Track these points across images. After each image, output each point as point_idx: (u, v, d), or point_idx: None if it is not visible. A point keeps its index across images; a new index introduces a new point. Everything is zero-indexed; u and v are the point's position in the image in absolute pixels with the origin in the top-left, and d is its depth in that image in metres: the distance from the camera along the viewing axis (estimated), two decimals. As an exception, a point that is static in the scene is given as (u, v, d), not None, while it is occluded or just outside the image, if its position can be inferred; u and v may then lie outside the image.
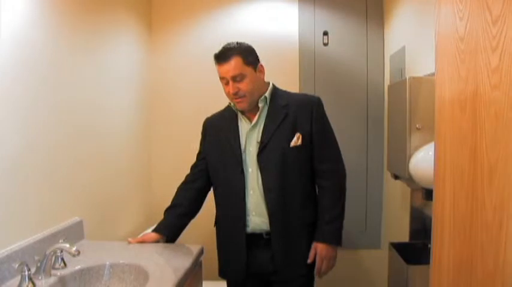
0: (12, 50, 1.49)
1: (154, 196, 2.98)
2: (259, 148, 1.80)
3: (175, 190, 2.05)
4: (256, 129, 1.84)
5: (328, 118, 1.89)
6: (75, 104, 1.92)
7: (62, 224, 1.78)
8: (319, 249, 1.82)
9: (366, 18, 2.90)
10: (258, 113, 1.83)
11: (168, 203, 2.96)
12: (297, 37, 2.90)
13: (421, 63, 2.14)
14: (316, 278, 1.92)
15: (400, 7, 2.57)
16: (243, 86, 1.75)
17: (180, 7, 2.94)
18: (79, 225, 1.90)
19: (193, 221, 2.01)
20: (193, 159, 2.94)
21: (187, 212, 1.97)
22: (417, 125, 1.87)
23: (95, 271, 1.60)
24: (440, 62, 1.16)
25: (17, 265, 1.38)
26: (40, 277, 1.44)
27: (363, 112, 2.92)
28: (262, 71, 1.84)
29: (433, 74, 1.33)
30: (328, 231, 1.82)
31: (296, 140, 1.78)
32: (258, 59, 1.84)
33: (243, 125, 1.88)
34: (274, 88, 1.90)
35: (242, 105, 1.81)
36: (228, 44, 1.80)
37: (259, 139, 1.81)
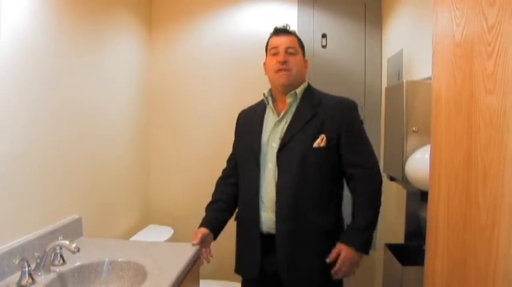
0: (14, 50, 1.51)
1: (153, 195, 2.99)
2: (280, 145, 1.73)
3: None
4: (281, 125, 1.78)
5: (362, 124, 1.83)
6: (76, 103, 1.94)
7: (61, 221, 1.80)
8: (344, 250, 1.67)
9: (364, 21, 2.93)
10: (286, 108, 1.79)
11: (164, 201, 3.00)
12: (296, 39, 2.92)
13: (418, 66, 2.16)
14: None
15: (398, 11, 2.59)
16: (293, 59, 1.78)
17: (179, 7, 2.96)
18: (78, 222, 1.91)
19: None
20: (192, 157, 2.98)
21: (227, 207, 1.92)
22: (413, 128, 1.89)
23: (93, 268, 1.62)
24: (437, 66, 1.19)
25: (17, 261, 1.40)
26: (40, 273, 1.45)
27: (359, 114, 2.93)
28: (307, 64, 1.87)
29: (429, 78, 1.35)
30: (360, 237, 1.69)
31: (320, 141, 1.70)
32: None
33: (270, 119, 1.84)
34: (310, 87, 1.87)
35: (283, 79, 1.77)
36: None
37: (281, 135, 1.75)
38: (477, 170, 0.93)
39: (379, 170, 1.78)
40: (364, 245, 1.69)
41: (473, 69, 0.95)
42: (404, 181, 1.92)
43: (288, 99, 1.79)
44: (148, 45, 2.90)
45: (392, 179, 2.20)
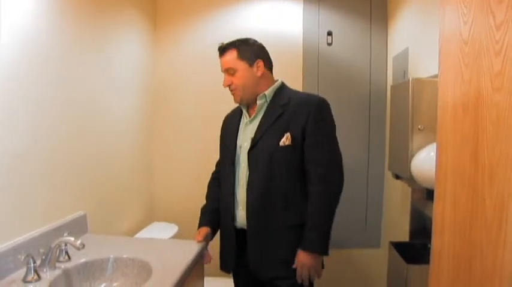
0: (18, 49, 1.51)
1: (156, 192, 3.00)
2: (250, 144, 1.79)
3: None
4: (252, 125, 1.84)
5: (330, 122, 1.80)
6: (81, 101, 1.94)
7: (66, 217, 1.81)
8: (299, 256, 1.73)
9: (370, 19, 2.92)
10: (256, 110, 1.84)
11: (169, 198, 3.00)
12: (301, 37, 2.91)
13: (424, 64, 2.15)
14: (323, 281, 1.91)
15: (404, 9, 2.58)
16: (235, 80, 1.82)
17: (184, 6, 2.95)
18: (83, 219, 1.92)
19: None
20: (195, 156, 2.98)
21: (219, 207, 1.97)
22: (419, 126, 1.89)
23: (98, 265, 1.62)
24: (444, 64, 1.18)
25: (22, 257, 1.40)
26: (45, 270, 1.46)
27: (365, 112, 2.94)
28: (260, 68, 1.83)
29: (435, 76, 1.34)
30: (310, 238, 1.71)
31: (285, 140, 1.74)
32: (260, 56, 1.84)
33: (244, 121, 1.90)
34: (281, 87, 1.88)
35: (235, 98, 1.87)
36: (237, 39, 1.87)
37: (252, 135, 1.80)
38: (484, 168, 0.92)
39: (338, 172, 1.77)
40: (315, 245, 1.72)
41: (480, 67, 0.94)
42: (409, 179, 1.92)
43: (258, 102, 1.84)
44: (153, 44, 2.90)
45: (397, 177, 2.20)
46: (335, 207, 1.76)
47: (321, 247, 1.73)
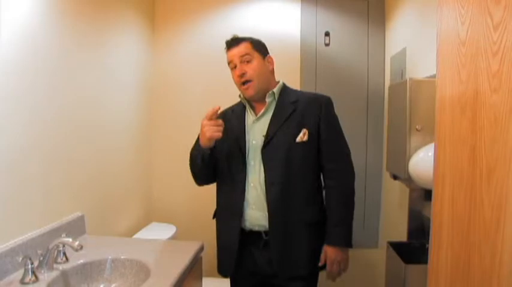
0: (17, 48, 1.51)
1: (155, 192, 3.00)
2: (264, 142, 1.77)
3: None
4: (261, 123, 1.81)
5: (338, 118, 1.86)
6: (79, 101, 1.94)
7: (64, 219, 1.80)
8: (328, 252, 1.77)
9: (368, 19, 2.92)
10: (265, 107, 1.82)
11: (167, 199, 3.00)
12: (299, 37, 2.92)
13: (422, 64, 2.16)
14: (322, 281, 1.93)
15: (401, 9, 2.59)
16: (250, 68, 1.77)
17: (182, 6, 2.95)
18: (81, 220, 1.91)
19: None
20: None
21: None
22: (417, 126, 1.89)
23: (96, 266, 1.62)
24: (442, 65, 1.18)
25: (20, 259, 1.40)
26: (43, 271, 1.46)
27: (363, 112, 2.94)
28: (271, 63, 1.85)
29: (433, 76, 1.34)
30: (336, 233, 1.77)
31: (302, 136, 1.75)
32: (268, 52, 1.87)
33: (249, 118, 1.87)
34: (284, 86, 1.89)
35: (249, 91, 1.79)
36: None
37: (264, 133, 1.78)
38: (482, 169, 0.92)
39: (351, 165, 1.85)
40: (342, 240, 1.78)
41: (478, 68, 0.95)
42: (407, 179, 1.92)
43: (267, 99, 1.82)
44: (151, 44, 2.90)
45: (395, 177, 2.20)
46: (353, 198, 1.82)
47: (347, 240, 1.78)
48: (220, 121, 1.73)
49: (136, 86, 2.66)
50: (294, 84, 2.81)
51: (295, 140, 1.75)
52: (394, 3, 2.72)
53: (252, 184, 1.79)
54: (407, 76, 2.28)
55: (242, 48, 1.79)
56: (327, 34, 2.91)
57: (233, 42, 1.81)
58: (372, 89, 2.93)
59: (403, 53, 2.44)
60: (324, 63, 2.92)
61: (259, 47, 1.83)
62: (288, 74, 2.82)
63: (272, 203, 1.74)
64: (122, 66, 2.43)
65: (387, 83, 2.83)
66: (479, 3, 0.94)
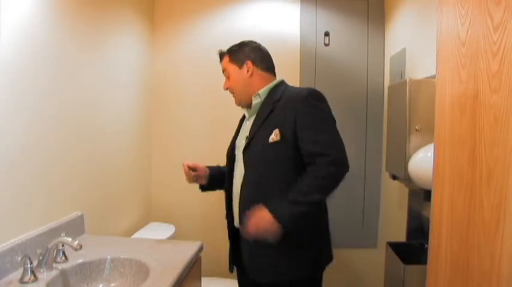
0: (17, 48, 1.51)
1: (155, 192, 3.00)
2: (245, 143, 1.78)
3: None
4: (248, 124, 1.84)
5: (322, 108, 1.72)
6: (78, 101, 1.93)
7: (63, 218, 1.80)
8: (262, 211, 1.60)
9: (367, 19, 2.92)
10: (252, 109, 1.85)
11: (166, 199, 3.00)
12: (299, 37, 2.91)
13: (421, 65, 2.16)
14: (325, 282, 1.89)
15: (401, 9, 2.59)
16: (230, 82, 1.89)
17: (182, 6, 2.95)
18: (80, 219, 1.91)
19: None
20: (193, 155, 2.97)
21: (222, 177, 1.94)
22: (416, 127, 1.89)
23: (95, 265, 1.62)
24: (442, 65, 1.18)
25: (19, 258, 1.40)
26: (42, 270, 1.46)
27: (362, 112, 2.94)
28: (250, 69, 1.84)
29: (433, 77, 1.34)
30: (282, 208, 1.59)
31: (274, 137, 1.68)
32: (251, 57, 1.85)
33: (245, 120, 1.93)
34: (278, 84, 1.86)
35: (235, 102, 1.93)
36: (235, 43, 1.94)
37: (247, 134, 1.80)
38: (481, 169, 0.92)
39: (337, 150, 1.65)
40: (282, 216, 1.58)
41: (478, 68, 0.95)
42: (406, 179, 1.92)
43: (254, 101, 1.85)
44: (150, 44, 2.90)
45: (394, 177, 2.20)
46: (324, 192, 1.64)
47: (285, 221, 1.58)
48: (190, 173, 1.90)
49: (135, 86, 2.66)
50: (293, 84, 2.80)
51: (268, 141, 1.70)
52: (394, 4, 2.72)
53: (237, 184, 1.82)
54: (407, 76, 2.28)
55: (223, 64, 1.92)
56: (326, 34, 2.91)
57: (219, 57, 1.95)
58: (371, 90, 2.93)
59: (402, 53, 2.44)
60: (324, 64, 2.92)
61: (236, 57, 1.87)
62: (288, 74, 2.79)
63: (243, 204, 1.74)
64: (122, 66, 2.43)
65: (387, 83, 2.83)
66: (480, 4, 0.94)
